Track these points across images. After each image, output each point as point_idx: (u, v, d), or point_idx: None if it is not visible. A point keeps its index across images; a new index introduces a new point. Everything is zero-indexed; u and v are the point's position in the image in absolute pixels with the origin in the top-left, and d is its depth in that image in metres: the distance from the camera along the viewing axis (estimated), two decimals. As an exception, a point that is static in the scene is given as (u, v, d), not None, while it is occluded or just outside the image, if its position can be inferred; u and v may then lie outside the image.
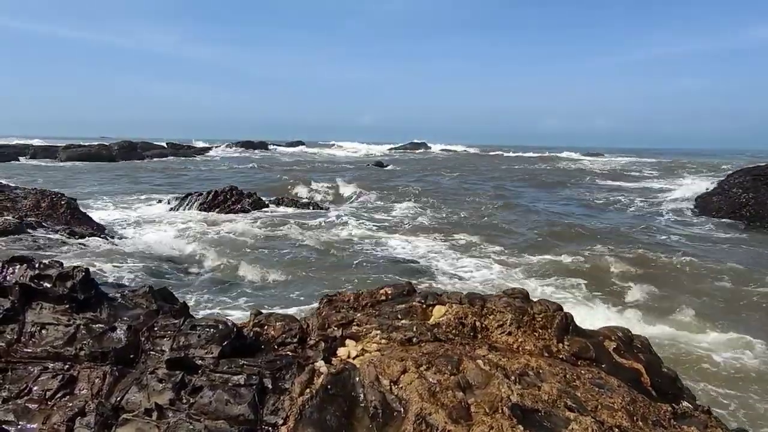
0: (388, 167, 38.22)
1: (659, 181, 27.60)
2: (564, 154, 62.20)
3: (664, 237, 12.80)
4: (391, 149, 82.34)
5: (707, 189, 17.65)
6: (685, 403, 2.89)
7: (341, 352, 3.15)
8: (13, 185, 12.69)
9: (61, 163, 35.89)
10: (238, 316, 6.07)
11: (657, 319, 6.93)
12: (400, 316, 3.45)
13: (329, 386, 2.63)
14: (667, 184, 24.90)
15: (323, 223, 13.67)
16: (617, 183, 27.09)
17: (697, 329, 6.62)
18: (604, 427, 2.37)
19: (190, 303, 5.95)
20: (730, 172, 18.52)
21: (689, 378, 4.83)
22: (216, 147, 60.61)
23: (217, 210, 14.83)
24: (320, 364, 2.89)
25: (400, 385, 2.62)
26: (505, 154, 67.78)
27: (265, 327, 3.33)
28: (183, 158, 46.00)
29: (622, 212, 17.53)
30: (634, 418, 2.48)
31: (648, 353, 3.27)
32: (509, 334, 3.23)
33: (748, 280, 8.75)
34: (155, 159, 43.44)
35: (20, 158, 37.76)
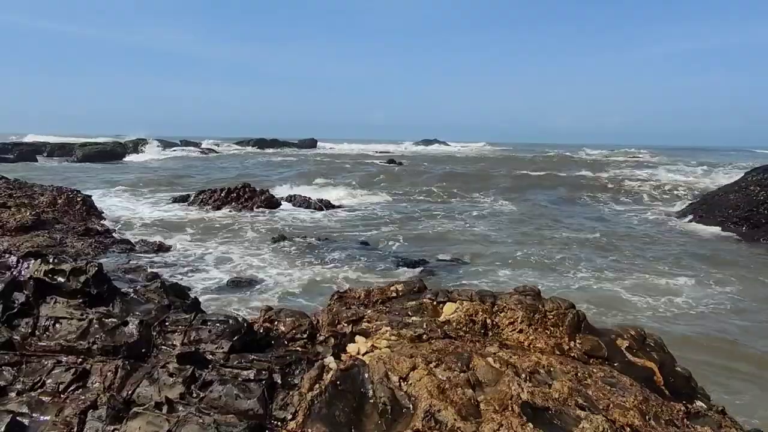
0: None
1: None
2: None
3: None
4: (382, 154, 54.32)
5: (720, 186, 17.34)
6: (698, 403, 2.84)
7: (351, 348, 3.15)
8: (31, 182, 12.88)
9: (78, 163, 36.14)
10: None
11: None
12: (410, 313, 3.44)
13: (338, 382, 2.63)
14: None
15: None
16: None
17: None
18: (615, 426, 2.34)
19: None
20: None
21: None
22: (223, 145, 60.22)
23: (229, 207, 14.92)
24: (329, 360, 2.89)
25: (410, 382, 2.61)
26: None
27: (276, 323, 3.34)
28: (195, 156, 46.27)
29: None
30: (647, 417, 2.44)
31: (661, 352, 3.22)
32: (520, 331, 3.21)
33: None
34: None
35: (38, 157, 38.12)
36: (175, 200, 16.09)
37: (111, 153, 39.75)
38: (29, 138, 50.91)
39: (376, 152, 61.14)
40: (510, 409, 2.40)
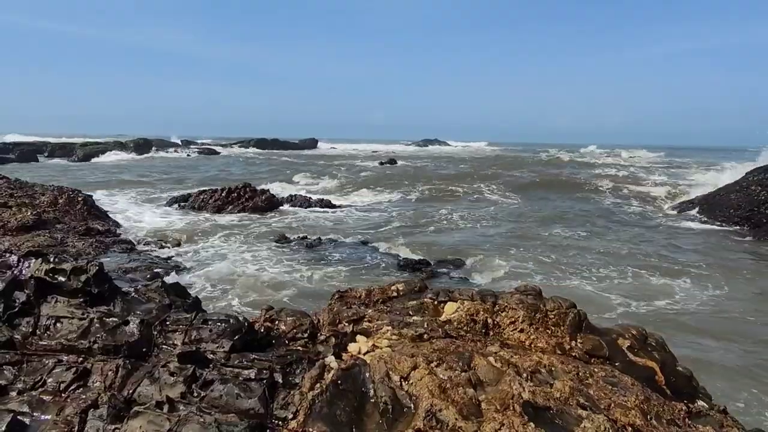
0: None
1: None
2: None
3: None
4: (382, 154, 53.61)
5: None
6: (700, 402, 2.84)
7: (352, 347, 3.15)
8: (32, 182, 12.87)
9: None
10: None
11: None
12: (411, 313, 3.43)
13: (339, 381, 2.63)
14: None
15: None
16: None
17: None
18: (616, 426, 2.34)
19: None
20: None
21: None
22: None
23: (230, 207, 14.91)
24: (330, 360, 2.89)
25: (411, 381, 2.61)
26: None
27: (276, 322, 3.34)
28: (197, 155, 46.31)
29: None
30: (648, 417, 2.44)
31: (662, 351, 3.22)
32: (521, 331, 3.20)
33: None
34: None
35: (38, 156, 38.03)
36: (176, 200, 16.06)
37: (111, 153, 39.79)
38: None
39: (376, 152, 61.11)
40: (511, 408, 2.40)
